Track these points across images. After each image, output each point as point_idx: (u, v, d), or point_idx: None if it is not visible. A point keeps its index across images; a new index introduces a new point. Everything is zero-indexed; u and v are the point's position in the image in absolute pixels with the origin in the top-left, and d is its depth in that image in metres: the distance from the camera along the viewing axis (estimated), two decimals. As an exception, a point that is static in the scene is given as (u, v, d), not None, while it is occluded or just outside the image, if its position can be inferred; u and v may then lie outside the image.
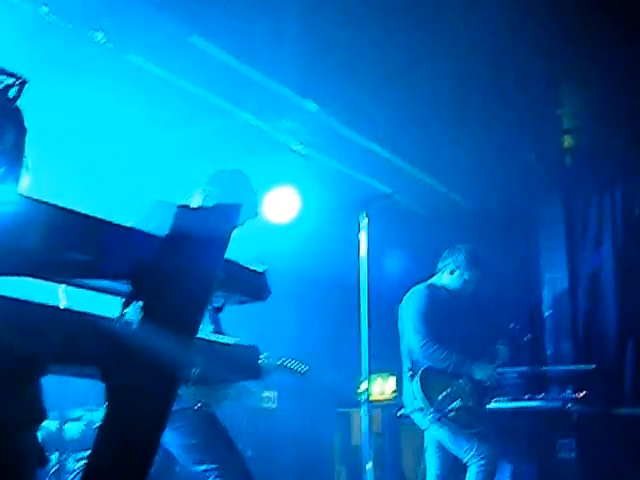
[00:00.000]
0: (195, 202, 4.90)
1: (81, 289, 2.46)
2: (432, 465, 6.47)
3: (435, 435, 6.39)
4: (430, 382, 6.27)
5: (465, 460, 6.23)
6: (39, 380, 1.85)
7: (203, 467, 4.79)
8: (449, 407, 6.18)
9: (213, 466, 4.77)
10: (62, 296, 3.19)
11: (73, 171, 6.54)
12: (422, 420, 6.35)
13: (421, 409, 6.26)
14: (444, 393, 6.22)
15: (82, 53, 5.76)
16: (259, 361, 5.15)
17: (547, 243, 8.72)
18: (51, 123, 5.87)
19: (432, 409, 6.19)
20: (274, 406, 8.45)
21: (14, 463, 1.74)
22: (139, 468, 2.18)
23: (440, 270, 6.68)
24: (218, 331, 4.73)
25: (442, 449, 6.37)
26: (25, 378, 1.81)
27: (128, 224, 2.24)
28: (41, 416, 1.84)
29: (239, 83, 6.46)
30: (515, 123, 7.29)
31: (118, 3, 5.43)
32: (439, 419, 6.18)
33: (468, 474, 6.20)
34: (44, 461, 1.86)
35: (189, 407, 4.73)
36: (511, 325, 6.88)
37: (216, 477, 4.75)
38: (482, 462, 6.16)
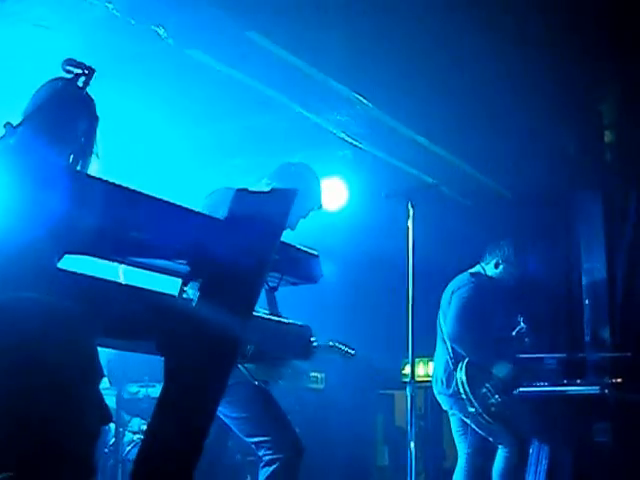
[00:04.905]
0: None
1: (139, 269, 2.61)
2: (462, 444, 6.61)
3: (461, 418, 6.55)
4: (473, 375, 6.41)
5: (494, 443, 6.44)
6: (97, 342, 1.93)
7: (255, 439, 4.96)
8: (490, 401, 6.33)
9: (265, 439, 4.91)
10: (121, 275, 3.41)
11: (134, 161, 6.74)
12: (445, 401, 6.59)
13: (461, 399, 6.41)
14: (486, 386, 6.36)
15: (144, 48, 5.96)
16: (311, 341, 5.35)
17: (586, 234, 8.78)
18: (114, 115, 6.10)
19: (476, 403, 6.34)
20: (322, 387, 8.52)
21: (78, 414, 1.82)
22: (196, 439, 2.35)
23: (484, 261, 6.80)
24: (274, 311, 4.84)
25: (468, 429, 6.49)
26: (88, 337, 1.90)
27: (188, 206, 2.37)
28: (101, 372, 1.93)
29: (292, 76, 6.61)
30: (557, 117, 7.35)
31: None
32: (481, 414, 6.33)
33: (497, 457, 6.40)
34: (107, 418, 1.93)
35: (246, 381, 4.86)
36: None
37: (267, 449, 4.88)
38: (512, 448, 6.35)
